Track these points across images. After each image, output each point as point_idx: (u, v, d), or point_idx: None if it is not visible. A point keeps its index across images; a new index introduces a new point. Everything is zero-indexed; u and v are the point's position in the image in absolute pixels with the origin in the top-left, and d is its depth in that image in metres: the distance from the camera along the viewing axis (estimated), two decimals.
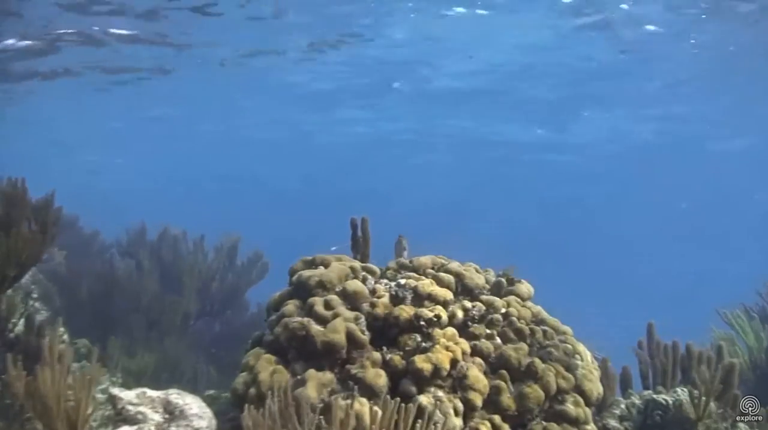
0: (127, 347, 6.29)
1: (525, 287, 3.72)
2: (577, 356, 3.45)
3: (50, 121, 17.05)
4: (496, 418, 3.07)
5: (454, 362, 3.13)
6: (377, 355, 3.15)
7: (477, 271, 3.76)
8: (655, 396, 3.88)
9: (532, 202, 32.63)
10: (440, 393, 3.05)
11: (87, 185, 28.04)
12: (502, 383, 3.17)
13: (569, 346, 3.48)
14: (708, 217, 31.10)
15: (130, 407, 2.88)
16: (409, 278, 3.54)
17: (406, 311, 3.27)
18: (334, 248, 3.81)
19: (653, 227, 34.17)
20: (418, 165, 26.28)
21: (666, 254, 35.33)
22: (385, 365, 3.12)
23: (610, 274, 33.16)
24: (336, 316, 3.22)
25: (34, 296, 6.74)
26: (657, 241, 35.32)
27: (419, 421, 2.37)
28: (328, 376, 3.03)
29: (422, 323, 3.25)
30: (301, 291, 3.45)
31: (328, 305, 3.28)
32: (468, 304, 3.47)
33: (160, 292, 7.39)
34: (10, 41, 9.62)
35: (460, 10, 9.62)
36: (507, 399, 3.12)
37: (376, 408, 2.75)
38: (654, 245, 35.65)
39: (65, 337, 4.56)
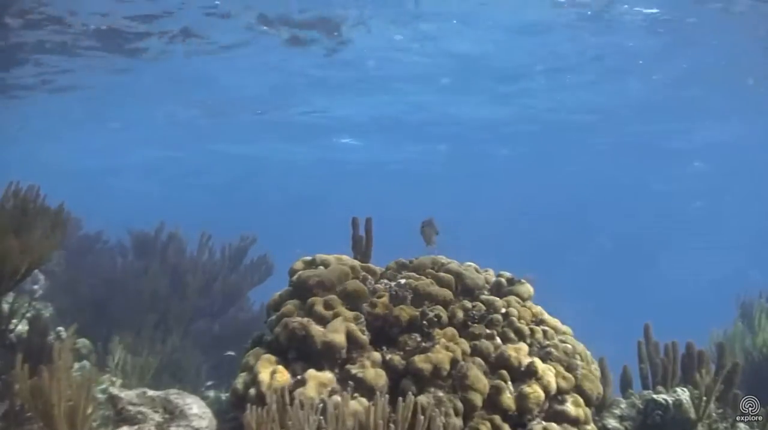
0: (129, 346, 6.29)
1: (525, 288, 3.72)
2: (577, 356, 3.45)
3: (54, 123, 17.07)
4: (496, 418, 3.07)
5: (454, 362, 3.13)
6: (377, 355, 3.15)
7: (477, 271, 3.76)
8: (655, 396, 3.88)
9: (536, 201, 32.62)
10: (440, 393, 3.05)
11: (89, 186, 28.06)
12: (502, 383, 3.17)
13: (569, 346, 3.48)
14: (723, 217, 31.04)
15: (130, 407, 2.89)
16: (409, 277, 3.55)
17: (406, 310, 3.27)
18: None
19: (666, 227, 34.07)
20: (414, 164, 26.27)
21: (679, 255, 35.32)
22: (385, 365, 3.13)
23: (615, 276, 33.17)
24: (336, 316, 3.22)
25: (36, 296, 6.76)
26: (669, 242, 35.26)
27: (422, 420, 2.37)
28: (327, 376, 3.03)
29: (422, 322, 3.25)
30: (301, 291, 3.45)
31: (328, 305, 3.28)
32: (468, 304, 3.47)
33: (162, 291, 7.40)
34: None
35: None
36: (507, 399, 3.12)
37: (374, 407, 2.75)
38: (666, 246, 35.61)
39: (63, 335, 4.56)
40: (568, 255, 35.12)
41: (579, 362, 3.40)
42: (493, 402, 3.12)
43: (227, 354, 6.55)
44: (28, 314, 4.01)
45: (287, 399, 2.39)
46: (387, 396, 2.45)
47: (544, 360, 3.32)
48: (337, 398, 2.87)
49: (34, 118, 15.98)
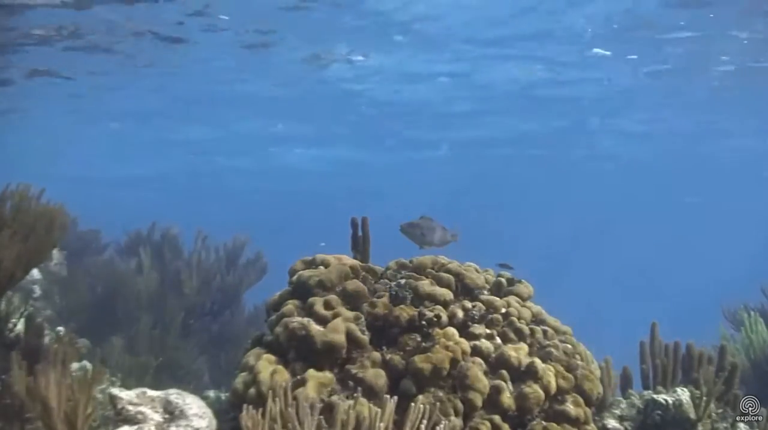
0: (128, 346, 6.29)
1: (525, 287, 3.72)
2: (577, 356, 3.45)
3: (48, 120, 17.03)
4: (496, 418, 3.07)
5: (454, 362, 3.13)
6: (377, 355, 3.15)
7: (477, 271, 3.76)
8: (655, 396, 3.88)
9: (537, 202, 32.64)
10: (440, 393, 3.05)
11: (87, 185, 28.02)
12: (502, 383, 3.17)
13: (569, 346, 3.48)
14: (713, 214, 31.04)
15: (130, 407, 2.88)
16: (409, 277, 3.54)
17: (406, 311, 3.27)
18: (323, 244, 3.80)
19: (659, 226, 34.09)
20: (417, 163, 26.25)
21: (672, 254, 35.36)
22: (385, 364, 3.12)
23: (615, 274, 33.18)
24: (336, 316, 3.22)
25: (35, 295, 6.76)
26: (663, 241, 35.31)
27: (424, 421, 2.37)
28: (327, 376, 3.03)
29: (422, 322, 3.25)
30: (301, 291, 3.45)
31: (328, 305, 3.28)
32: (468, 304, 3.47)
33: (161, 291, 7.40)
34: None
35: None
36: (507, 399, 3.12)
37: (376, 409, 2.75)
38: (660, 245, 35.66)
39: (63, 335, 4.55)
40: (568, 255, 35.19)
41: (579, 362, 3.40)
42: (493, 402, 3.12)
43: None
44: (26, 314, 3.99)
45: (288, 399, 2.38)
46: (396, 398, 2.43)
47: (544, 360, 3.32)
48: (335, 398, 2.87)
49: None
